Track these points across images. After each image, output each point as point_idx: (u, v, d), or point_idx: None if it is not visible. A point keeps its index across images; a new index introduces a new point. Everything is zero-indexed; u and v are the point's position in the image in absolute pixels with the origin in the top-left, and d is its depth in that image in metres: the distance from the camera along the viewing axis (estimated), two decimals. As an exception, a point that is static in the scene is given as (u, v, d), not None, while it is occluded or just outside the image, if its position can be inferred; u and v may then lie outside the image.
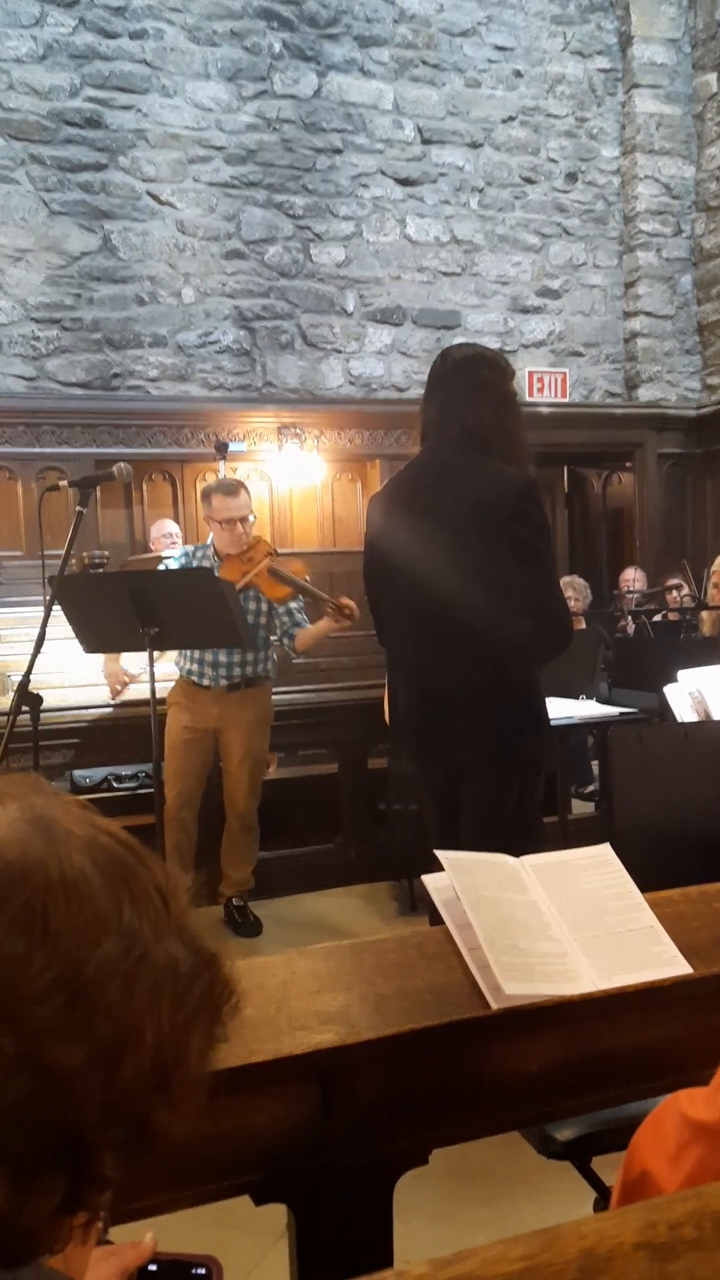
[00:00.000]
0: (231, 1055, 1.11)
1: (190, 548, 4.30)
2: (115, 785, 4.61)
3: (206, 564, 4.03)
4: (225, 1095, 1.09)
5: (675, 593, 6.39)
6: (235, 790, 4.08)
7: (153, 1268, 0.89)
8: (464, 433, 2.48)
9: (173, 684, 4.11)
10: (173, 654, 4.07)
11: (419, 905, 4.23)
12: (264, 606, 4.04)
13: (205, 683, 4.00)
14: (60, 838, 0.62)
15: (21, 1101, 0.55)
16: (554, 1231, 0.61)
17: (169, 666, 4.01)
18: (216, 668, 3.98)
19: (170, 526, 6.72)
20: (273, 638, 4.13)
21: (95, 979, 0.58)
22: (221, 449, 6.66)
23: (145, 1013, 0.60)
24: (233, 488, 4.09)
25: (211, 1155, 1.13)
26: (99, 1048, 0.58)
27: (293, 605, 4.07)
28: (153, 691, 3.51)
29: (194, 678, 4.01)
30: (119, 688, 4.15)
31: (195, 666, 4.00)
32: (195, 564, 4.05)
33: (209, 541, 4.18)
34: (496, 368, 2.56)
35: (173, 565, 4.15)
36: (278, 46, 7.53)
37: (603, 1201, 1.52)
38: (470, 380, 2.50)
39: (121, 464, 3.42)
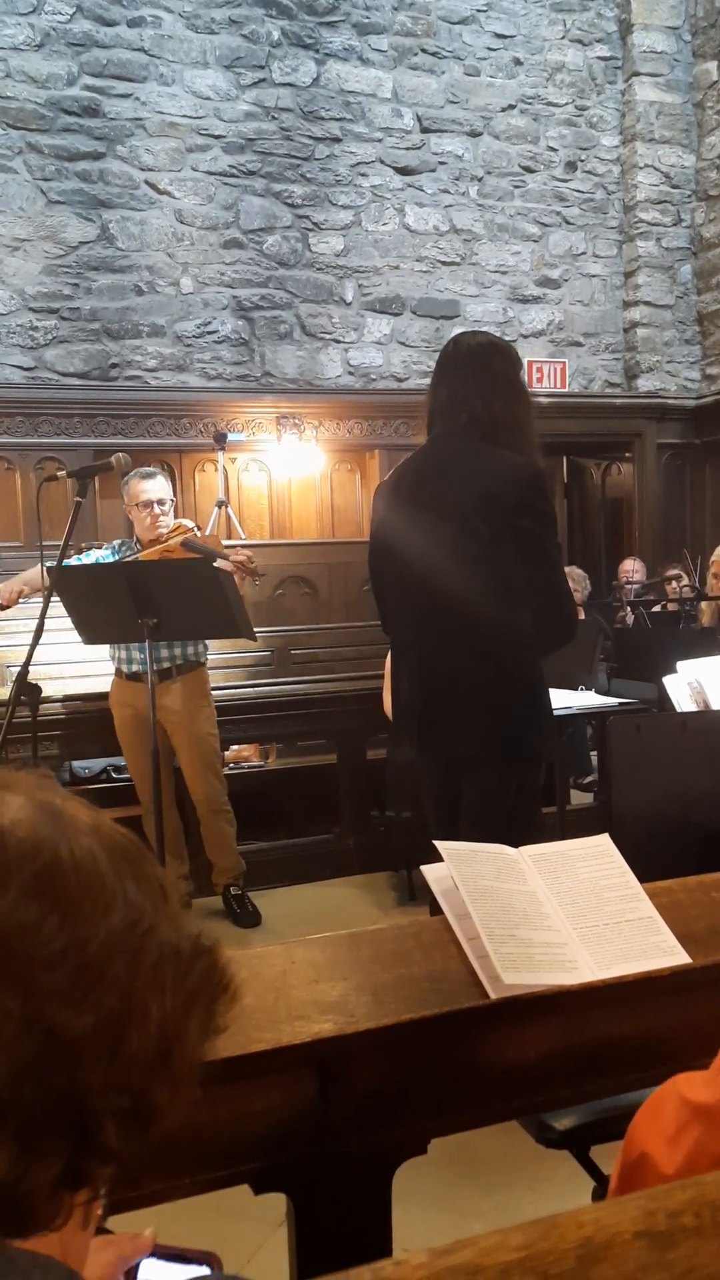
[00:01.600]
0: (230, 1044, 1.11)
1: (117, 542, 4.27)
2: (114, 776, 4.61)
3: (130, 555, 4.00)
4: (224, 1084, 1.10)
5: (675, 583, 6.38)
6: (192, 777, 4.06)
7: (153, 1260, 0.89)
8: (472, 421, 2.46)
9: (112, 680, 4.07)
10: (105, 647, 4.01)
11: (417, 895, 4.24)
12: None
13: (135, 669, 3.94)
14: (68, 822, 0.64)
15: (29, 1063, 0.57)
16: (552, 1220, 0.61)
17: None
18: (143, 651, 3.95)
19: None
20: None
21: (103, 950, 0.61)
22: (220, 439, 6.65)
23: (150, 989, 0.63)
24: (148, 473, 4.09)
25: (210, 1143, 1.13)
26: (105, 1018, 0.60)
27: None
28: (151, 683, 3.50)
29: (124, 665, 3.97)
30: (16, 600, 4.02)
31: (125, 654, 3.96)
32: (120, 555, 4.03)
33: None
34: (508, 357, 2.54)
35: (91, 558, 4.09)
36: (276, 34, 7.49)
37: (601, 1190, 1.53)
38: (482, 369, 2.48)
39: (120, 454, 3.41)
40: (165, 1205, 1.12)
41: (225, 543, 4.79)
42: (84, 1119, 0.59)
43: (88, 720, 4.31)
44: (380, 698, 4.23)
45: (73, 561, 4.08)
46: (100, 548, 4.25)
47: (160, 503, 3.99)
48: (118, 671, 4.02)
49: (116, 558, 4.00)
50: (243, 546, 4.39)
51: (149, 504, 3.97)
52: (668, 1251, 0.60)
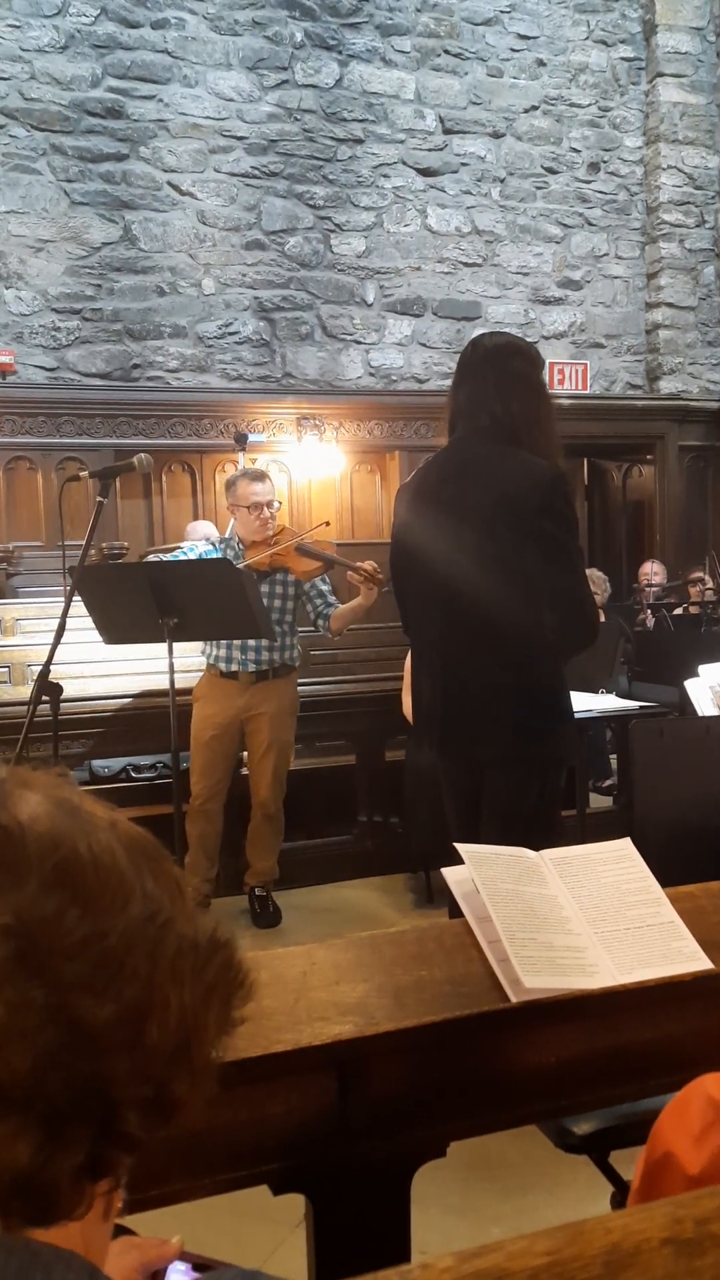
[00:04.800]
0: (251, 1045, 1.11)
1: (218, 538, 4.31)
2: (134, 775, 4.62)
3: (232, 553, 4.03)
4: (244, 1085, 1.10)
5: (699, 586, 6.35)
6: (259, 781, 4.08)
7: (180, 1267, 0.89)
8: (493, 423, 2.45)
9: (197, 676, 4.12)
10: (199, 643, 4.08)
11: (435, 897, 4.23)
12: (291, 591, 4.05)
13: (234, 668, 3.99)
14: (85, 818, 0.65)
15: (53, 1052, 0.58)
16: (580, 1226, 0.61)
17: (186, 659, 4.01)
18: (246, 652, 3.99)
19: (205, 528, 6.65)
20: (301, 628, 4.14)
21: (123, 942, 0.62)
22: (241, 440, 6.66)
23: (169, 980, 0.63)
24: (259, 474, 4.15)
25: (231, 1144, 1.13)
26: (126, 1008, 0.61)
27: (323, 587, 4.08)
28: (171, 682, 3.51)
29: (221, 664, 4.01)
30: None
31: (224, 652, 4.00)
32: (222, 553, 4.05)
33: (229, 532, 4.19)
34: (528, 358, 2.53)
35: (193, 554, 4.16)
36: (299, 36, 7.51)
37: (620, 1196, 1.52)
38: (501, 370, 2.47)
39: (142, 455, 3.42)
40: (184, 1205, 1.12)
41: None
42: (106, 1108, 0.60)
43: (109, 720, 4.33)
44: (400, 699, 4.23)
45: (169, 557, 4.16)
46: (199, 543, 4.29)
47: (269, 505, 4.02)
48: (210, 668, 4.06)
49: (219, 553, 4.03)
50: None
51: (259, 506, 3.99)
52: (695, 1259, 0.59)
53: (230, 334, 7.50)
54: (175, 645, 3.49)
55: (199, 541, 4.33)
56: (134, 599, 3.44)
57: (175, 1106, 0.64)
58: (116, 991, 0.61)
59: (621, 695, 4.41)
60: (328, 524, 4.14)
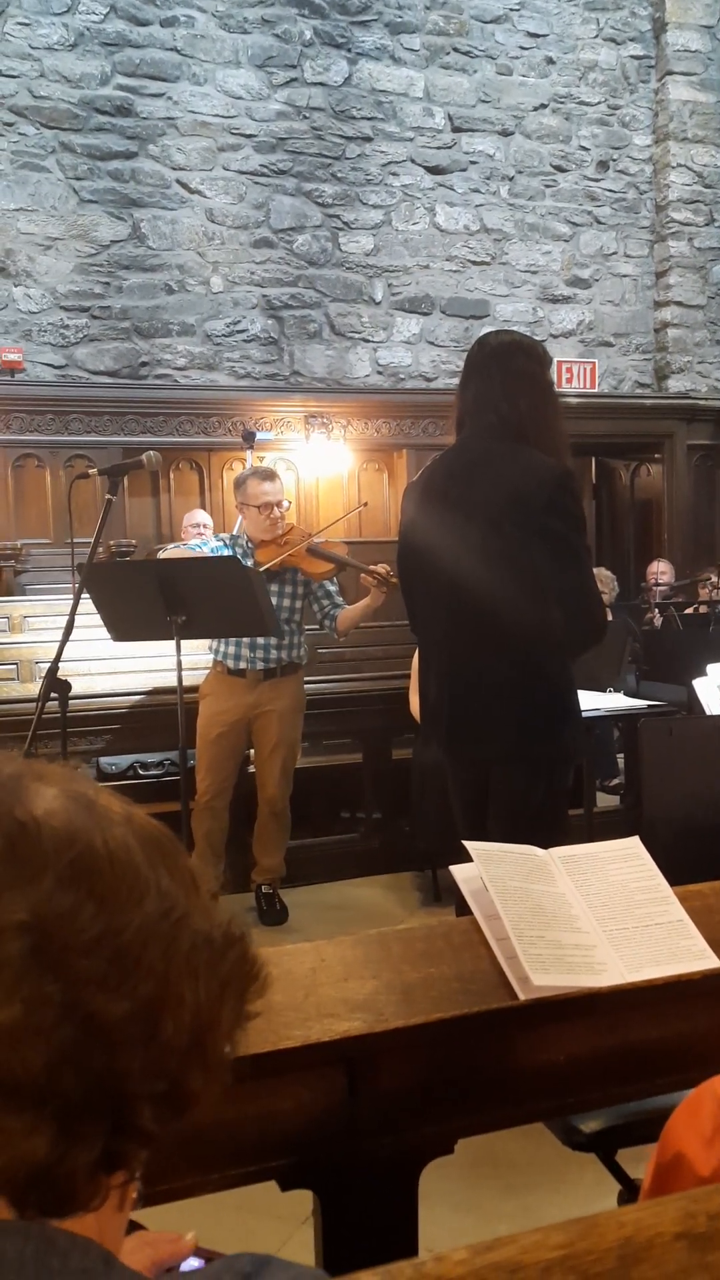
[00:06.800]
0: (260, 1041, 1.12)
1: (226, 535, 4.30)
2: (141, 773, 4.62)
3: (240, 551, 4.03)
4: (253, 1080, 1.10)
5: (708, 585, 6.35)
6: (266, 778, 4.09)
7: (195, 1263, 0.89)
8: (500, 421, 2.46)
9: (204, 673, 4.12)
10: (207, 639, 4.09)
11: (443, 895, 4.23)
12: (300, 590, 4.05)
13: (242, 665, 3.99)
14: (101, 813, 0.65)
15: (69, 1048, 0.58)
16: (593, 1220, 0.61)
17: (194, 656, 4.01)
18: (255, 650, 3.99)
19: (201, 516, 6.70)
20: (308, 626, 4.14)
21: (138, 938, 0.62)
22: (248, 438, 6.66)
23: (184, 976, 0.63)
24: (269, 473, 4.15)
25: (239, 1139, 1.13)
26: (141, 1004, 0.61)
27: (330, 587, 4.09)
28: (179, 679, 3.52)
29: (229, 661, 4.01)
30: None
31: (233, 649, 4.01)
32: (231, 550, 4.06)
33: (236, 530, 4.19)
34: (534, 356, 2.53)
35: (204, 551, 4.16)
36: (308, 34, 7.50)
37: (627, 1194, 1.52)
38: (507, 369, 2.48)
39: (151, 453, 3.42)
40: (191, 1200, 1.13)
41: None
42: (121, 1103, 0.61)
43: (116, 717, 4.34)
44: (407, 697, 4.23)
45: (183, 551, 4.16)
46: (204, 537, 4.28)
47: (279, 504, 4.04)
48: (217, 664, 4.07)
49: (229, 550, 4.04)
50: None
51: (269, 505, 4.01)
52: (708, 1253, 0.60)
53: (238, 332, 7.50)
54: (183, 642, 3.50)
55: (207, 537, 4.33)
56: (142, 596, 3.45)
57: (189, 1101, 0.64)
58: (132, 988, 0.61)
59: (629, 694, 4.41)
60: (365, 504, 4.12)
